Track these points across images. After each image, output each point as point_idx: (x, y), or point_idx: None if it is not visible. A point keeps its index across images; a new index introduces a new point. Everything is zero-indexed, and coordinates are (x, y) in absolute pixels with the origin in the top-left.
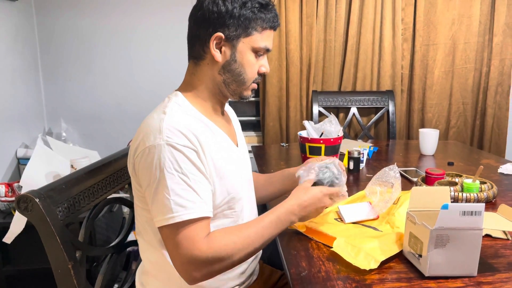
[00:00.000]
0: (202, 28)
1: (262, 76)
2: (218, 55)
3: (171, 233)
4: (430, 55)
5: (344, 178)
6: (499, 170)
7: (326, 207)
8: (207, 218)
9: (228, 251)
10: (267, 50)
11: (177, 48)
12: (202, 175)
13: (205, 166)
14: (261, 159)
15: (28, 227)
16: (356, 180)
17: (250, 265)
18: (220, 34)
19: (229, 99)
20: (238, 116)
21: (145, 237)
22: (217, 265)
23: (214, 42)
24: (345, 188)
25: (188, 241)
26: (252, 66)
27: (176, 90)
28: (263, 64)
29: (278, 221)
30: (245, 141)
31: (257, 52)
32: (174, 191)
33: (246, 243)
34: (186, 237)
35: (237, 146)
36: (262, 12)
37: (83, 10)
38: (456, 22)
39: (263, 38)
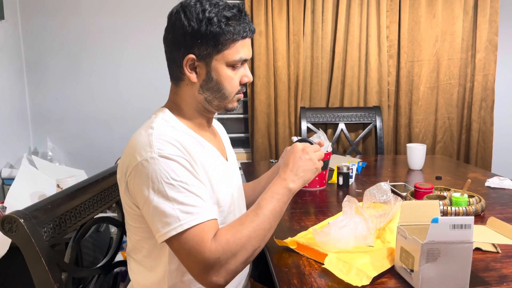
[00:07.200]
0: (174, 51)
1: (246, 85)
2: (193, 76)
3: (181, 242)
4: (415, 71)
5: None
6: (486, 184)
7: (315, 160)
8: (214, 219)
9: (237, 242)
10: (245, 60)
11: (164, 66)
12: (199, 181)
13: (199, 174)
14: (251, 175)
15: (13, 248)
16: (345, 196)
17: (241, 283)
18: (191, 55)
19: (216, 113)
20: (227, 133)
21: (137, 258)
22: (232, 260)
23: (188, 64)
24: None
25: (198, 245)
26: (231, 80)
27: (162, 107)
28: (244, 74)
29: (277, 196)
30: (235, 157)
31: (233, 65)
32: (177, 200)
33: (252, 228)
34: (196, 242)
35: (227, 160)
36: (230, 25)
37: (70, 28)
38: (440, 39)
39: (237, 50)
